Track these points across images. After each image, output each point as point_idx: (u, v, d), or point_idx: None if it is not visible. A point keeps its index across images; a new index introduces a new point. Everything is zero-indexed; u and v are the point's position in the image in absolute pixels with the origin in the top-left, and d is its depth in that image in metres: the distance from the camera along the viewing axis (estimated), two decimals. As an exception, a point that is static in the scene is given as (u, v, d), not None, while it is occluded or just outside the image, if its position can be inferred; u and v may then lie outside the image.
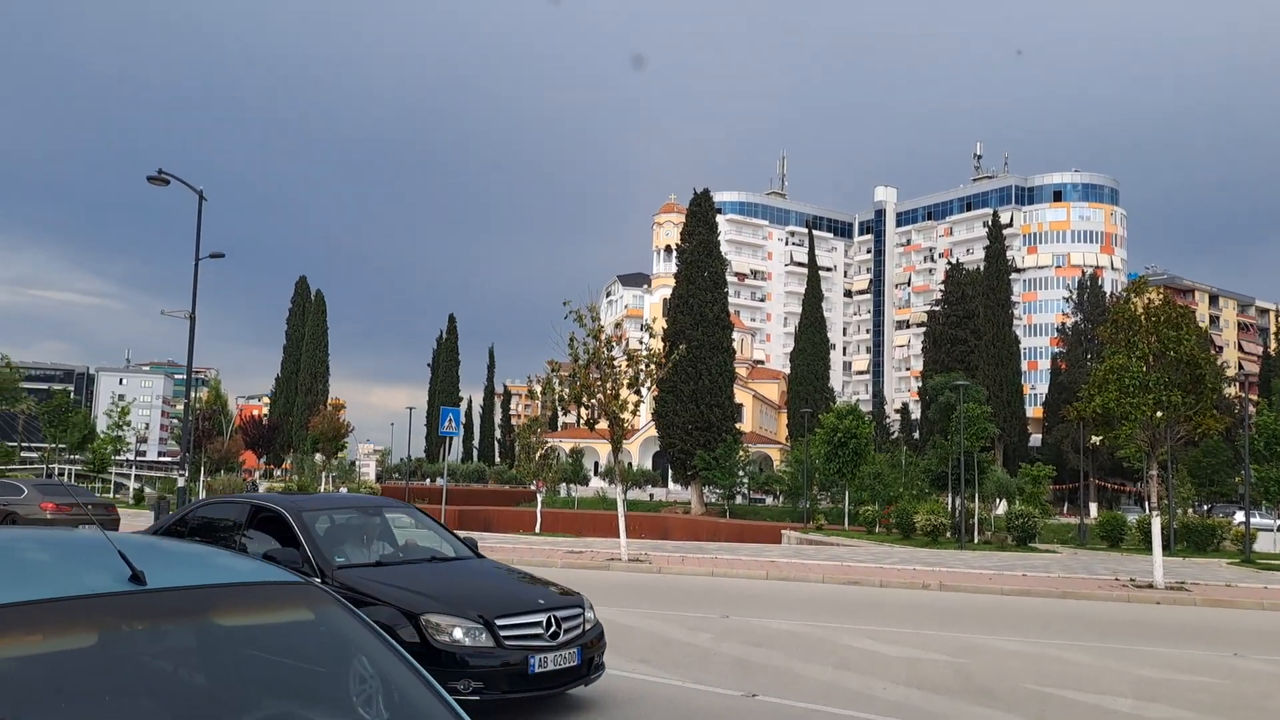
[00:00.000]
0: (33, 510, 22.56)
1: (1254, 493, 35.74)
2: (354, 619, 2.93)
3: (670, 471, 70.89)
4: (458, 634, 6.98)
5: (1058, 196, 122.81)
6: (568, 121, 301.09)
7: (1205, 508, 54.43)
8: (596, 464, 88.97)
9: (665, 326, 58.90)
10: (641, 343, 25.71)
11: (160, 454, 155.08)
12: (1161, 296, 22.70)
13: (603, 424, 23.97)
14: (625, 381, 24.02)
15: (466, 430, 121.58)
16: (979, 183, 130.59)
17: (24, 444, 78.12)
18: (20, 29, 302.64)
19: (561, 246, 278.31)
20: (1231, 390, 70.57)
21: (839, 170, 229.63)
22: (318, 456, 65.04)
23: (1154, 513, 21.66)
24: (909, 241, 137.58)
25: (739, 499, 63.44)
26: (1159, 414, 20.25)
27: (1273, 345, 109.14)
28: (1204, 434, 22.15)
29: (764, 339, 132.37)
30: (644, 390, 24.84)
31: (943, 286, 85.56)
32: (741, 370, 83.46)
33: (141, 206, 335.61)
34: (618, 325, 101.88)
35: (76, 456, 60.33)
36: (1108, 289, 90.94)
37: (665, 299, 72.72)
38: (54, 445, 61.75)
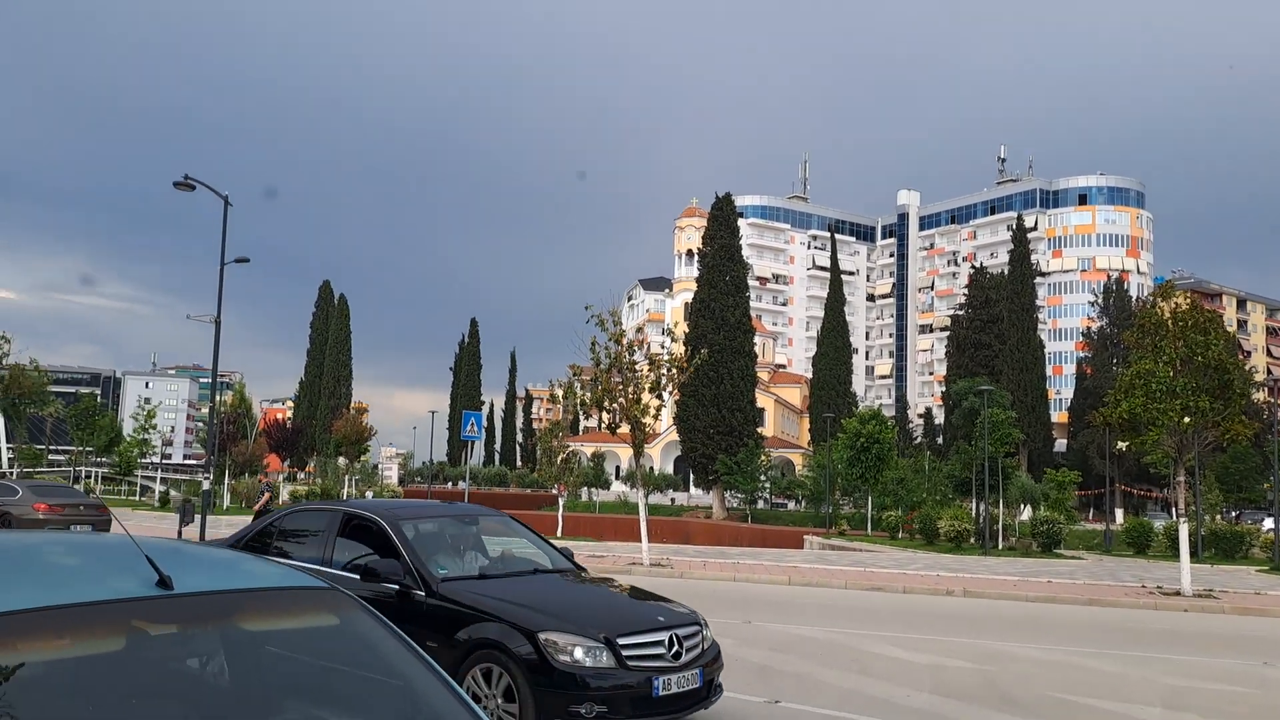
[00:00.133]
0: (26, 510, 23.06)
1: (1283, 499, 35.24)
2: (379, 624, 2.94)
3: (692, 476, 70.88)
4: (578, 654, 6.51)
5: (1083, 200, 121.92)
6: (591, 126, 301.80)
7: (1233, 514, 53.77)
8: (618, 468, 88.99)
9: (687, 331, 58.91)
10: (663, 347, 25.77)
11: (185, 457, 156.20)
12: (1189, 300, 22.46)
13: (624, 428, 23.99)
14: (647, 386, 24.03)
15: (488, 434, 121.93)
16: (1003, 186, 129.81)
17: (52, 447, 79.03)
18: (51, 40, 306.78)
19: (583, 250, 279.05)
20: (1260, 395, 69.80)
21: (861, 174, 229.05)
22: (341, 460, 65.35)
23: (1181, 519, 21.44)
24: (932, 245, 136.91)
25: (761, 504, 63.30)
26: (1186, 419, 20.04)
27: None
28: (1232, 439, 21.90)
29: (785, 343, 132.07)
30: (665, 394, 24.86)
31: (966, 290, 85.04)
32: (763, 374, 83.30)
33: (168, 212, 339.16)
34: (639, 329, 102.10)
35: (103, 459, 60.90)
36: (1133, 293, 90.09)
37: (687, 303, 72.69)
38: (81, 448, 62.34)
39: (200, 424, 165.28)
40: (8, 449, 61.41)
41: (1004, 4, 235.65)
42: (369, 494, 52.52)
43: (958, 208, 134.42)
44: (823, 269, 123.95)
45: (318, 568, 7.53)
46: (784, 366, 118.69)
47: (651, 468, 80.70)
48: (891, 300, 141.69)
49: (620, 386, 23.78)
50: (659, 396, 24.15)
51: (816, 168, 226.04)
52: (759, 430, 64.88)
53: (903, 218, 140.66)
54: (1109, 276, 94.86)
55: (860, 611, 16.42)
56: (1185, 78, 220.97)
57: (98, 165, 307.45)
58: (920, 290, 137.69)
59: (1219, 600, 18.87)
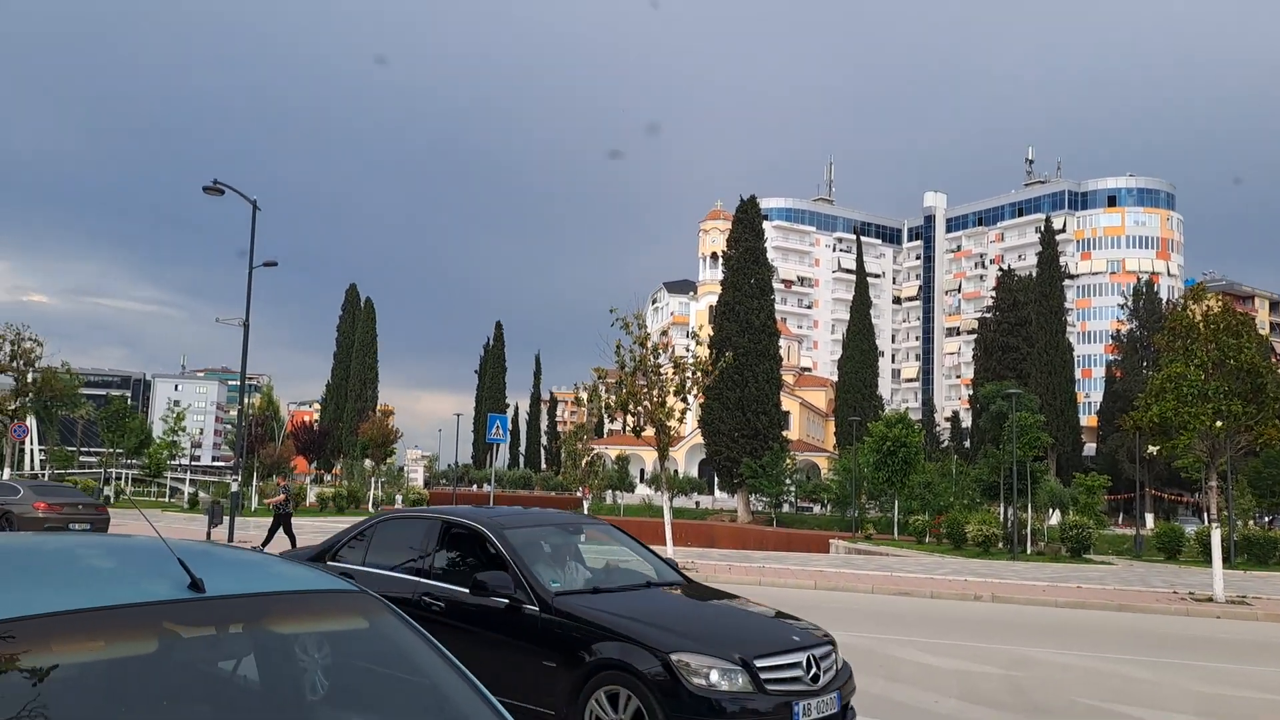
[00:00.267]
0: (26, 510, 23.82)
1: (1318, 504, 34.77)
2: (408, 628, 2.95)
3: (716, 479, 70.77)
4: (714, 676, 6.04)
5: (1112, 201, 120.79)
6: (617, 129, 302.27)
7: (1266, 519, 53.02)
8: (642, 471, 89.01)
9: (711, 334, 58.81)
10: (688, 350, 25.71)
11: (214, 459, 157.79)
12: (1220, 303, 22.21)
13: (649, 431, 24.00)
14: (672, 389, 24.04)
15: (513, 437, 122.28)
16: (1031, 188, 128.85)
17: (83, 449, 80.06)
18: (82, 44, 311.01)
19: (608, 253, 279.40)
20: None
21: (887, 176, 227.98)
22: (367, 462, 65.82)
23: (1213, 524, 21.17)
24: (959, 247, 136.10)
25: (786, 507, 63.13)
26: (1218, 424, 19.82)
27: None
28: (1265, 444, 21.66)
29: (811, 346, 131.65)
30: (690, 397, 24.86)
31: (994, 293, 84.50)
32: (788, 377, 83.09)
33: (198, 216, 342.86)
34: (664, 333, 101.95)
35: (133, 461, 61.61)
36: (1164, 295, 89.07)
37: (711, 306, 72.68)
38: (111, 450, 63.10)
39: (229, 426, 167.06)
40: (40, 451, 62.27)
41: (1032, 4, 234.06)
42: (398, 498, 52.76)
43: (985, 210, 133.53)
44: (848, 272, 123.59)
45: (417, 579, 7.42)
46: (809, 370, 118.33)
47: (676, 471, 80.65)
48: (918, 303, 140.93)
49: (645, 389, 23.79)
50: (684, 399, 24.14)
51: (842, 170, 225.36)
52: (784, 433, 64.76)
53: (929, 220, 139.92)
54: (1139, 279, 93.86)
55: (887, 616, 16.32)
56: (1216, 78, 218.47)
57: (128, 170, 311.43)
58: (947, 293, 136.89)
59: (1252, 607, 18.63)
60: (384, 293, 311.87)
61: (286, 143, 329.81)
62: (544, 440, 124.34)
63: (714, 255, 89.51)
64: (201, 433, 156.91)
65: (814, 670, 6.45)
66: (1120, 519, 67.22)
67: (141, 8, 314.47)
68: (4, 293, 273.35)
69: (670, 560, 8.36)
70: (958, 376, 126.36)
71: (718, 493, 77.41)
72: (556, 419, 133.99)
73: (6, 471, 46.23)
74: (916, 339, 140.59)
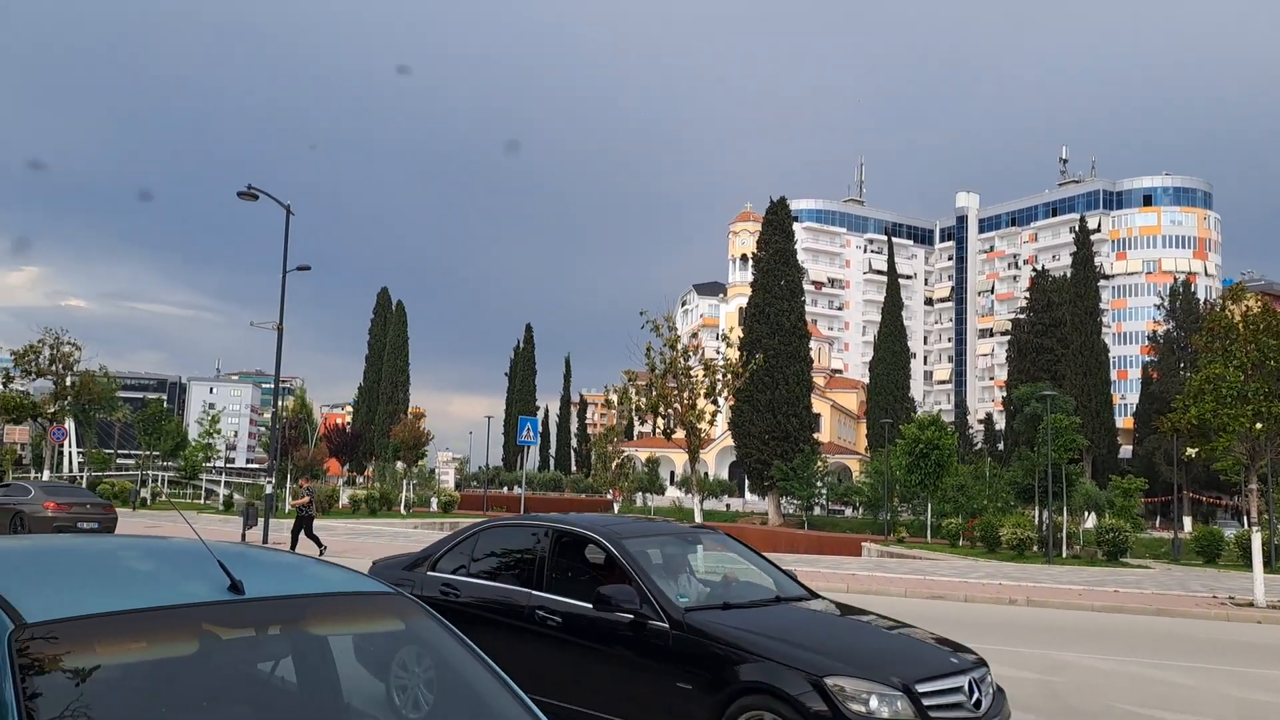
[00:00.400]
0: (37, 509, 24.23)
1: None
2: (444, 630, 2.96)
3: (747, 481, 70.55)
4: (874, 703, 5.61)
5: (1148, 201, 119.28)
6: (645, 131, 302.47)
7: (1308, 523, 52.10)
8: (672, 473, 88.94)
9: (742, 336, 58.62)
10: (718, 352, 25.70)
11: (248, 461, 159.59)
12: (1260, 303, 21.87)
13: (680, 433, 23.99)
14: (702, 391, 24.02)
15: (543, 439, 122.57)
16: (1064, 187, 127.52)
17: (120, 451, 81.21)
18: (117, 51, 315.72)
19: (638, 256, 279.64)
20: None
21: (919, 177, 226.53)
22: (399, 464, 66.24)
23: (1254, 528, 20.84)
24: (992, 248, 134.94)
25: (817, 510, 62.84)
26: (1258, 425, 19.53)
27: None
28: (1307, 446, 21.28)
29: (842, 348, 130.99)
30: (721, 400, 24.83)
31: (1027, 294, 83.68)
32: (819, 379, 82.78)
33: (232, 221, 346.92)
34: (694, 335, 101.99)
35: (169, 463, 62.38)
36: (1201, 295, 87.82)
37: (741, 308, 72.53)
38: (148, 452, 63.92)
39: (263, 428, 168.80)
40: (78, 453, 63.22)
41: (1066, 2, 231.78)
42: (433, 500, 53.02)
43: (1018, 210, 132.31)
44: (879, 273, 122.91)
45: (530, 592, 7.02)
46: (840, 371, 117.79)
47: (706, 473, 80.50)
48: (950, 304, 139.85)
49: (675, 392, 23.79)
50: (714, 402, 24.12)
51: (873, 170, 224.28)
52: (815, 436, 64.45)
53: (961, 220, 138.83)
54: (1175, 279, 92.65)
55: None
56: (1253, 75, 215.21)
57: (164, 176, 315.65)
58: (980, 294, 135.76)
59: (1294, 612, 18.32)
60: (415, 296, 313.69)
61: (316, 149, 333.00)
62: (574, 443, 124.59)
63: (744, 257, 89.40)
64: (236, 435, 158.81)
65: (975, 695, 6.04)
66: (1157, 522, 66.35)
67: (175, 19, 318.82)
68: (43, 297, 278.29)
69: (789, 572, 7.95)
70: (991, 378, 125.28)
71: (748, 495, 77.21)
72: (586, 421, 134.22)
73: (46, 473, 46.93)
74: (949, 340, 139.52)
